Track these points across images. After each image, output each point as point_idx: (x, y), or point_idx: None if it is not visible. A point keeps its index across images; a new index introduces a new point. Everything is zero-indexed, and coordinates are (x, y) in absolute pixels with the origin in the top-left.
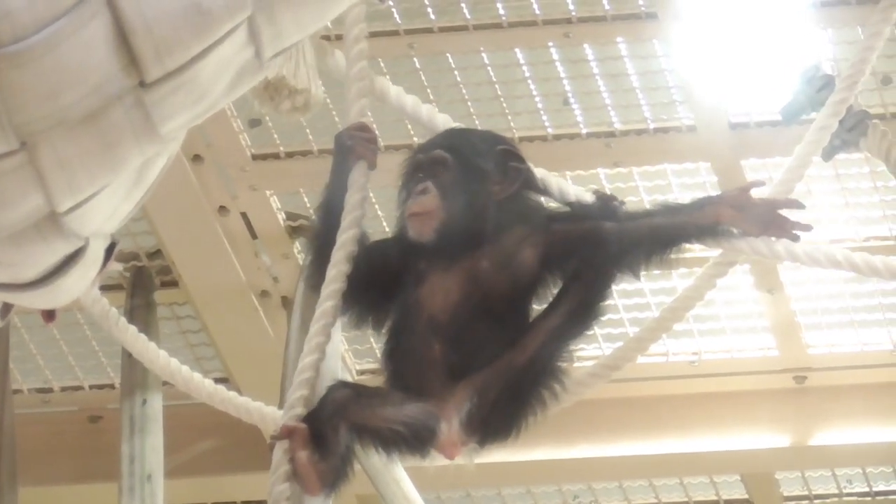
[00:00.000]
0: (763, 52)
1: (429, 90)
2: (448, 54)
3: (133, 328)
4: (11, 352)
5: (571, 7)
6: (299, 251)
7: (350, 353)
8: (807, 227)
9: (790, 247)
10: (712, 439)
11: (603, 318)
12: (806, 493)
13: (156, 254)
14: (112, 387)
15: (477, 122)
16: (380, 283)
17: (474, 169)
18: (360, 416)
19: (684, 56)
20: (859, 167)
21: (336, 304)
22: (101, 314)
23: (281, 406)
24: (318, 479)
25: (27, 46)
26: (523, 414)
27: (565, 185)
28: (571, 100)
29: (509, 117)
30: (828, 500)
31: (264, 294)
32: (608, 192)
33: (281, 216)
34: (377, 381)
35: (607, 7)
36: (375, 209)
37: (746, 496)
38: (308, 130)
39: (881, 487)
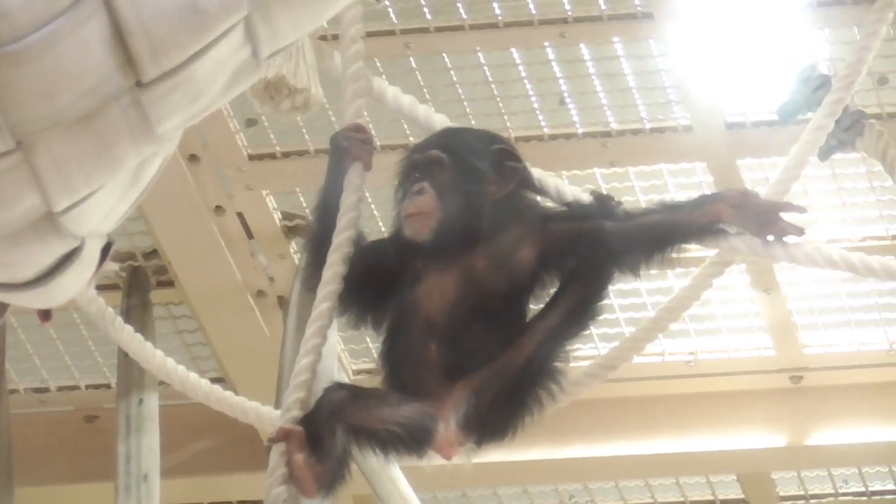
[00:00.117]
0: (759, 51)
1: (425, 90)
2: (444, 54)
3: (129, 328)
4: (7, 351)
5: (567, 7)
6: (295, 251)
7: (346, 353)
8: (801, 231)
9: (788, 248)
10: (709, 439)
11: (600, 318)
12: (802, 492)
13: (152, 254)
14: (108, 386)
15: (473, 121)
16: (376, 284)
17: (470, 169)
18: (356, 417)
19: (680, 56)
20: (856, 167)
21: (332, 305)
22: (98, 314)
23: (277, 406)
24: (314, 481)
25: (24, 46)
26: (520, 414)
27: (562, 184)
28: (567, 100)
29: (505, 117)
30: (824, 500)
31: (260, 294)
32: (605, 192)
33: (277, 216)
34: (374, 381)
35: (603, 7)
36: (371, 209)
37: (742, 496)
38: (304, 130)
39: (877, 487)
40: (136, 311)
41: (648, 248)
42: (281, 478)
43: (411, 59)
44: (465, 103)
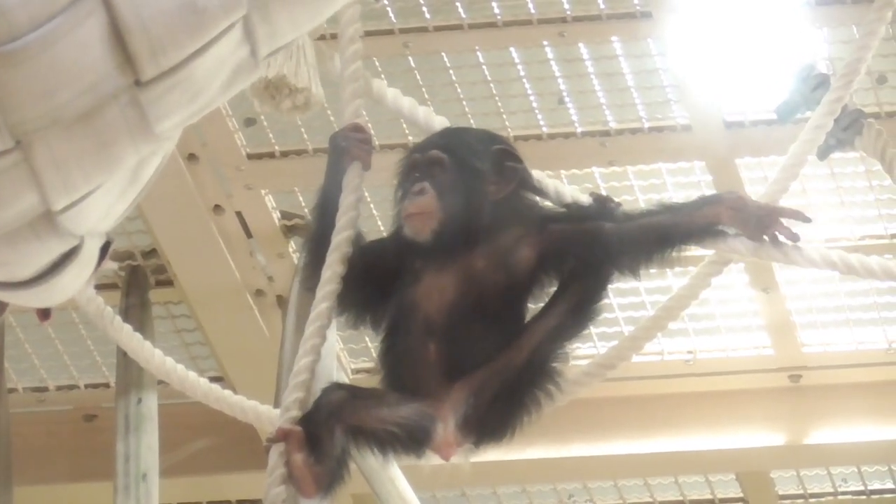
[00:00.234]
0: (758, 50)
1: (424, 89)
2: (443, 53)
3: (128, 327)
4: (6, 351)
5: (566, 6)
6: (294, 250)
7: (345, 353)
8: (796, 237)
9: (786, 249)
10: (707, 438)
11: (599, 318)
12: (801, 491)
13: (151, 253)
14: (107, 386)
15: (472, 121)
16: (375, 284)
17: (471, 169)
18: (355, 417)
19: (679, 55)
20: (854, 166)
21: (331, 305)
22: (96, 313)
23: (276, 405)
24: (313, 481)
25: (22, 45)
26: (519, 415)
27: (561, 186)
28: (566, 99)
29: (504, 116)
30: (823, 499)
31: (259, 293)
32: (604, 193)
33: (276, 215)
34: (373, 381)
35: (602, 6)
36: (370, 208)
37: (741, 495)
38: (303, 130)
39: (876, 486)
40: (135, 310)
41: (647, 249)
42: (280, 478)
43: (410, 58)
44: (464, 102)
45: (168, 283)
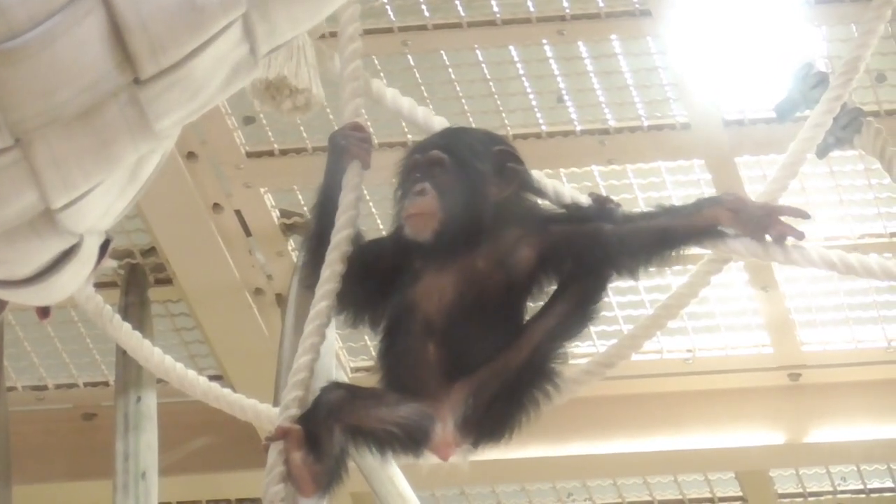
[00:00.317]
0: (757, 49)
1: (423, 87)
2: (442, 51)
3: (127, 325)
4: (6, 349)
5: (565, 4)
6: (293, 249)
7: (344, 351)
8: (801, 235)
9: (786, 249)
10: (706, 437)
11: (598, 319)
12: (800, 490)
13: (150, 251)
14: (106, 384)
15: (471, 119)
16: (374, 283)
17: (471, 170)
18: (354, 417)
19: (678, 53)
20: (854, 165)
21: (330, 304)
22: (96, 311)
23: (275, 404)
24: (312, 480)
25: (22, 43)
26: (518, 415)
27: (560, 186)
28: (565, 97)
29: (503, 115)
30: (822, 498)
31: (258, 292)
32: (603, 194)
33: (275, 214)
34: (372, 379)
35: (601, 4)
36: (370, 206)
37: (741, 493)
38: (302, 128)
39: (875, 485)
40: (134, 308)
41: (647, 251)
42: (279, 476)
43: (409, 56)
44: (463, 101)
45: (167, 281)
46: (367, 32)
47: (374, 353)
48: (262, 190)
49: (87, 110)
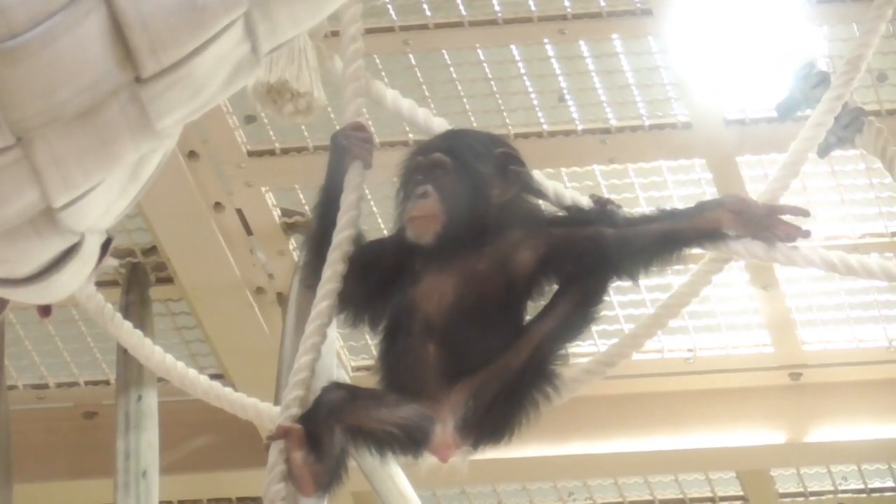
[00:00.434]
0: (758, 48)
1: (424, 87)
2: (443, 51)
3: (128, 324)
4: (7, 348)
5: (567, 4)
6: (295, 248)
7: (345, 350)
8: (806, 234)
9: (787, 251)
10: (707, 436)
11: (598, 320)
12: (801, 489)
13: (151, 250)
14: (107, 383)
15: (472, 118)
16: (375, 283)
17: (473, 172)
18: (354, 417)
19: (679, 52)
20: (855, 164)
21: (332, 303)
22: (97, 310)
23: (276, 402)
24: (312, 479)
25: (22, 42)
26: (518, 416)
27: (561, 188)
28: (567, 96)
29: (504, 114)
30: (823, 497)
31: (259, 291)
32: (605, 194)
33: (276, 213)
34: (373, 378)
35: (602, 4)
36: (371, 206)
37: (742, 493)
38: (304, 127)
39: (876, 484)
40: (135, 307)
41: (648, 255)
42: (279, 475)
43: (410, 55)
44: (465, 100)
45: (168, 280)
46: (369, 32)
47: (375, 352)
48: (263, 189)
49: (88, 109)
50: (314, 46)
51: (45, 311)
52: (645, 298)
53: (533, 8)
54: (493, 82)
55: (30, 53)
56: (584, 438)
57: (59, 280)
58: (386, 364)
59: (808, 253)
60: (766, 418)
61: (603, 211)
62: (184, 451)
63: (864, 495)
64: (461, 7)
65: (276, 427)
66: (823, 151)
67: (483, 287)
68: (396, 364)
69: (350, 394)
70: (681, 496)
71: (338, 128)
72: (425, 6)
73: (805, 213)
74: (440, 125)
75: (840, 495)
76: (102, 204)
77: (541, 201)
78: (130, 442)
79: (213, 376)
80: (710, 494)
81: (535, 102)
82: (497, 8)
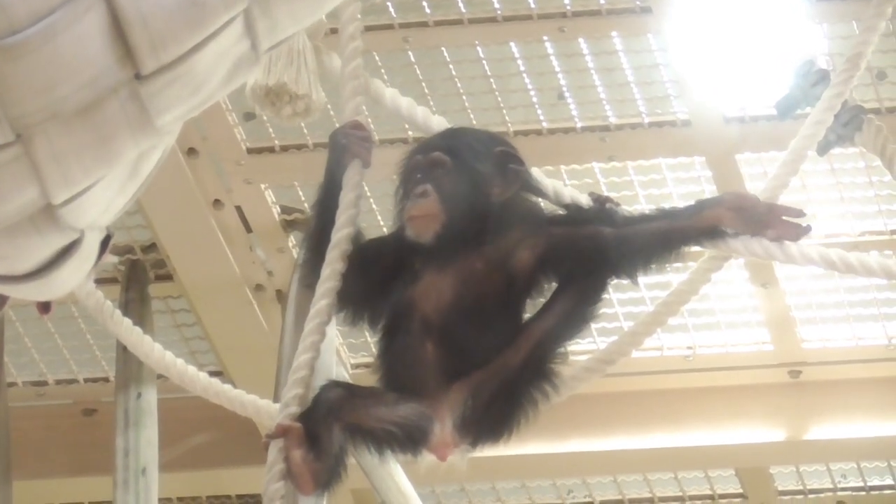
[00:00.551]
0: (758, 46)
1: (423, 84)
2: (443, 48)
3: (128, 321)
4: (6, 345)
5: (566, 1)
6: (294, 245)
7: (345, 348)
8: (806, 230)
9: (786, 248)
10: (707, 434)
11: (597, 319)
12: (800, 487)
13: (150, 247)
14: (106, 380)
15: (471, 115)
16: (374, 282)
17: (473, 171)
18: (353, 416)
19: (679, 50)
20: (854, 162)
21: (330, 302)
22: (96, 307)
23: (275, 400)
24: (311, 478)
25: (22, 39)
26: (516, 415)
27: (561, 187)
28: (566, 94)
29: (504, 111)
30: (822, 495)
31: (259, 288)
32: (604, 194)
33: (276, 210)
34: (373, 376)
35: (602, 1)
36: (370, 203)
37: (741, 490)
38: (303, 125)
39: (876, 482)
40: (135, 304)
41: (647, 254)
42: (279, 474)
43: (410, 53)
44: (464, 97)
45: (168, 277)
46: (368, 29)
47: (374, 350)
48: (262, 186)
49: (88, 106)
50: (313, 48)
51: (45, 307)
52: (644, 296)
53: (532, 5)
54: (492, 80)
55: (30, 50)
56: (584, 436)
57: (58, 277)
58: (385, 362)
59: (807, 251)
60: (765, 416)
61: (602, 209)
62: (183, 449)
63: (864, 493)
64: (460, 4)
65: (276, 426)
66: (823, 149)
67: (482, 286)
68: (395, 362)
69: (348, 392)
70: (680, 494)
71: (337, 126)
72: (425, 4)
73: (801, 214)
74: (439, 123)
75: (839, 493)
76: (102, 201)
77: (540, 200)
78: (130, 439)
79: (213, 373)
80: (709, 492)
81: (535, 100)
82: (496, 5)
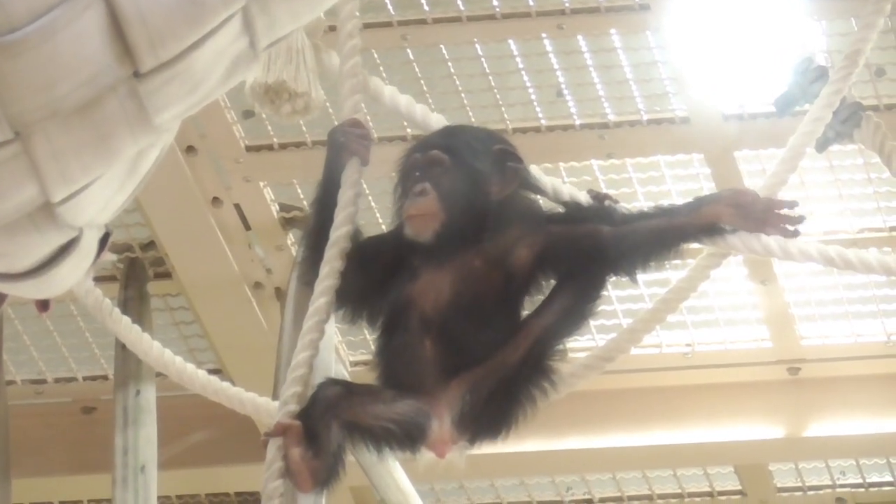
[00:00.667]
0: (756, 43)
1: (422, 81)
2: (441, 46)
3: (126, 319)
4: (5, 343)
5: None
6: (293, 243)
7: (343, 345)
8: (799, 220)
9: (784, 245)
10: (706, 431)
11: (595, 316)
12: (799, 484)
13: (149, 245)
14: (105, 378)
15: (470, 113)
16: (372, 279)
17: (472, 169)
18: (351, 413)
19: (677, 47)
20: (853, 159)
21: (329, 300)
22: (95, 305)
23: (274, 397)
24: (310, 476)
25: (21, 37)
26: (514, 412)
27: (559, 184)
28: (565, 91)
29: (503, 109)
30: (821, 492)
31: (257, 285)
32: (603, 191)
33: (274, 207)
34: (371, 373)
35: None
36: (369, 200)
37: (740, 487)
38: (301, 122)
39: (874, 479)
40: (134, 302)
41: (645, 252)
42: (278, 472)
43: (409, 50)
44: (463, 95)
45: (166, 275)
46: (367, 27)
47: (373, 348)
48: (261, 184)
49: (87, 104)
50: (312, 45)
51: (44, 306)
52: (643, 293)
53: (531, 3)
54: (491, 77)
55: (29, 47)
56: (582, 433)
57: (57, 274)
58: (383, 360)
59: (806, 248)
60: (764, 413)
61: (601, 207)
62: (182, 446)
63: (863, 490)
64: (459, 2)
65: (275, 424)
66: (822, 146)
67: (480, 283)
68: (394, 360)
69: (346, 390)
70: (679, 491)
71: (335, 123)
72: (423, 1)
73: (794, 205)
74: (438, 121)
75: (838, 490)
76: (101, 198)
77: (539, 197)
78: (129, 437)
79: (212, 371)
80: (708, 489)
81: (534, 97)
82: (495, 3)
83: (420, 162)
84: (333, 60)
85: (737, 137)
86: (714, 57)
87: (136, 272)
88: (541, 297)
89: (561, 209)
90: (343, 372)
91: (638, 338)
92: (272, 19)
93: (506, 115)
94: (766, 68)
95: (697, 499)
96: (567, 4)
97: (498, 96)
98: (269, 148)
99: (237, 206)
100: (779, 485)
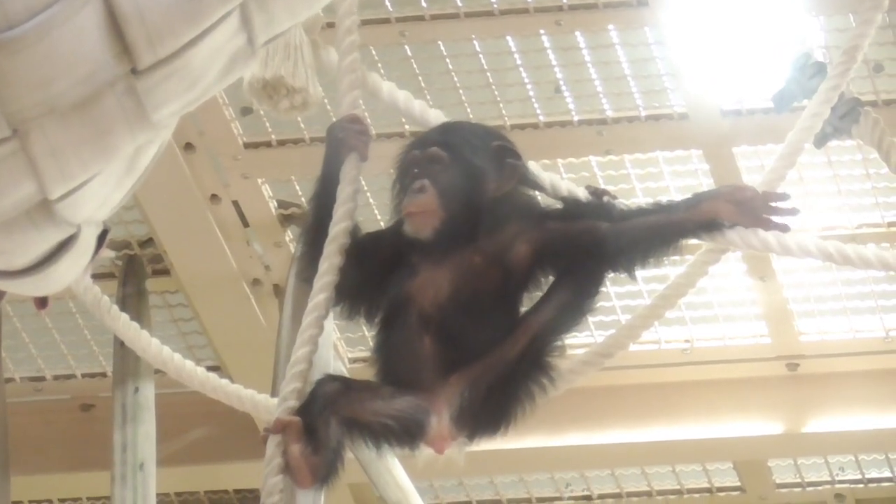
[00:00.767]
0: (755, 39)
1: (420, 78)
2: (439, 42)
3: (125, 316)
4: (3, 340)
5: None
6: (291, 239)
7: (342, 342)
8: (794, 211)
9: (783, 240)
10: (704, 427)
11: (594, 313)
12: (798, 480)
13: (147, 242)
14: (104, 375)
15: (468, 109)
16: (371, 276)
17: (471, 166)
18: (349, 409)
19: (676, 43)
20: (851, 154)
21: (328, 296)
22: (93, 302)
23: (273, 394)
24: (309, 472)
25: (19, 34)
26: (513, 408)
27: (558, 181)
28: (563, 87)
29: (501, 105)
30: (820, 488)
31: (256, 282)
32: (601, 187)
33: (273, 204)
34: (370, 370)
35: None
36: (367, 196)
37: (739, 484)
38: (300, 119)
39: (874, 475)
40: (132, 299)
41: (644, 249)
42: (277, 468)
43: (406, 47)
44: (461, 91)
45: (165, 272)
46: (365, 23)
47: (371, 344)
48: (259, 181)
49: (85, 101)
50: (310, 42)
51: (42, 303)
52: (642, 289)
53: None
54: (489, 74)
55: (27, 44)
56: (581, 429)
57: (55, 271)
58: (382, 356)
59: (804, 243)
60: (763, 409)
61: (599, 203)
62: (181, 443)
63: (862, 486)
64: None
65: (274, 420)
66: (820, 142)
67: (479, 280)
68: (392, 356)
69: (345, 386)
70: (678, 487)
71: (334, 120)
72: None
73: (784, 197)
74: (436, 117)
75: (837, 486)
76: (99, 195)
77: (537, 193)
78: (127, 434)
79: (210, 368)
80: (707, 485)
81: (532, 94)
82: None
83: (419, 158)
84: (331, 57)
85: (735, 133)
86: (712, 53)
87: (134, 269)
88: (539, 294)
89: (559, 205)
90: (342, 368)
91: (636, 334)
92: (270, 16)
93: (504, 112)
94: (765, 64)
95: (696, 495)
96: (565, 1)
97: (496, 92)
98: (268, 145)
99: (235, 203)
100: (778, 481)
